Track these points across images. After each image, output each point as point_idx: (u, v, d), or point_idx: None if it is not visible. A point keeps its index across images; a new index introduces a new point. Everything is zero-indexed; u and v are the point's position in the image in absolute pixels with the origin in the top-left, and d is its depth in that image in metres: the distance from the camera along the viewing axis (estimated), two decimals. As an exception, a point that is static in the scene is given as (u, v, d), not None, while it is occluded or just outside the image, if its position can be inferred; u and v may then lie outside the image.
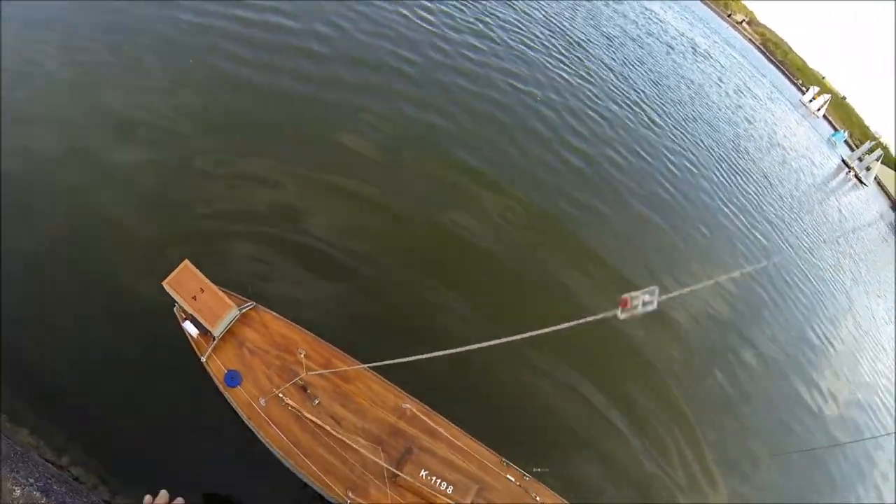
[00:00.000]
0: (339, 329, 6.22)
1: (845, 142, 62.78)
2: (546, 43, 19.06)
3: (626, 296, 2.26)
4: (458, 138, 11.05)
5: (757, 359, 11.35)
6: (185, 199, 7.19)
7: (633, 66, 23.78)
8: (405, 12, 14.50)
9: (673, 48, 33.87)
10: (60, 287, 5.86)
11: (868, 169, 49.21)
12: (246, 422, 4.88)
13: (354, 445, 4.83)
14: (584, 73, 18.70)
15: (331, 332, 5.58)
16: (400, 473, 4.76)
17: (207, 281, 4.97)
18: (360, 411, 5.16)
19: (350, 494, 4.64)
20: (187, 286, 4.83)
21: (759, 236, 17.15)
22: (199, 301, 4.83)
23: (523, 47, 17.40)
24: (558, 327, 2.68)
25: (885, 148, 59.28)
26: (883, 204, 52.51)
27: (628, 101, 19.20)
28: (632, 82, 21.51)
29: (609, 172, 13.63)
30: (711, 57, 41.69)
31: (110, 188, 6.93)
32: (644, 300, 2.24)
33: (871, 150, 50.95)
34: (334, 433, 4.86)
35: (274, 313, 5.45)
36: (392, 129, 10.24)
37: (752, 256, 15.24)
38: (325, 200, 8.13)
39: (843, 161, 48.49)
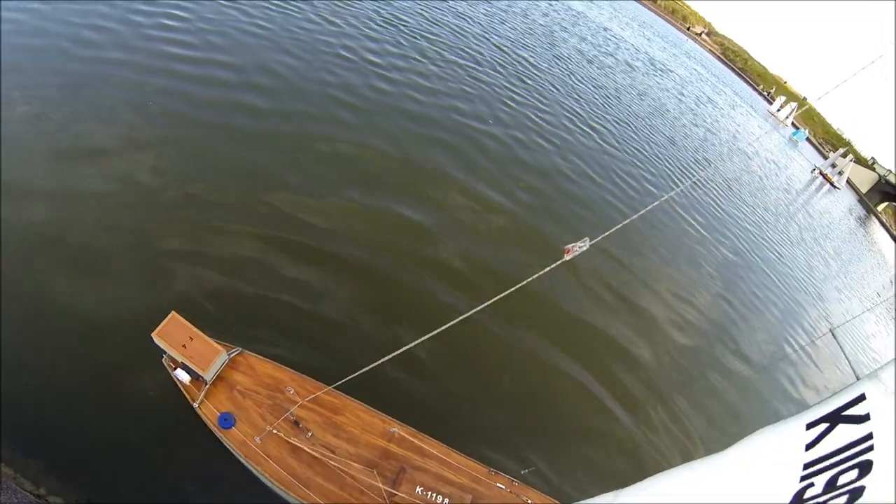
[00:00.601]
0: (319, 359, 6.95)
1: (807, 139, 66.09)
2: (499, 70, 20.44)
3: (566, 246, 3.15)
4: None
5: (728, 375, 12.16)
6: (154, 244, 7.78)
7: (589, 86, 25.38)
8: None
9: (632, 66, 35.84)
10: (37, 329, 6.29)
11: (840, 173, 52.05)
12: (243, 461, 5.25)
13: (350, 471, 5.28)
14: (537, 97, 20.04)
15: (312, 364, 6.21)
16: (397, 492, 5.25)
17: (196, 329, 5.38)
18: (351, 439, 5.64)
19: None
20: (176, 336, 5.22)
21: (725, 251, 18.25)
22: (189, 349, 5.21)
23: (476, 77, 18.70)
24: (518, 286, 3.51)
25: (853, 149, 62.44)
26: (851, 199, 55.21)
27: (584, 125, 20.53)
28: (588, 103, 23.01)
29: (564, 203, 14.38)
30: (671, 71, 44.01)
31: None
32: (579, 246, 3.13)
33: (843, 155, 53.95)
34: (330, 462, 5.28)
35: (260, 356, 5.88)
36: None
37: (717, 274, 16.20)
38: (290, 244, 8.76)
39: (819, 170, 50.98)
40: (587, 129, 20.04)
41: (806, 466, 2.01)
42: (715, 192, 23.01)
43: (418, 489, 5.37)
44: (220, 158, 9.72)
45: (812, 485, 1.98)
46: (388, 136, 12.72)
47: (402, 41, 18.04)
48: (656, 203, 3.92)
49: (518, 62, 22.42)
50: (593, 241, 3.05)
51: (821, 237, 30.40)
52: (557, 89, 22.21)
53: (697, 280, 15.11)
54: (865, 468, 1.82)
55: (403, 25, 19.39)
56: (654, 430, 9.17)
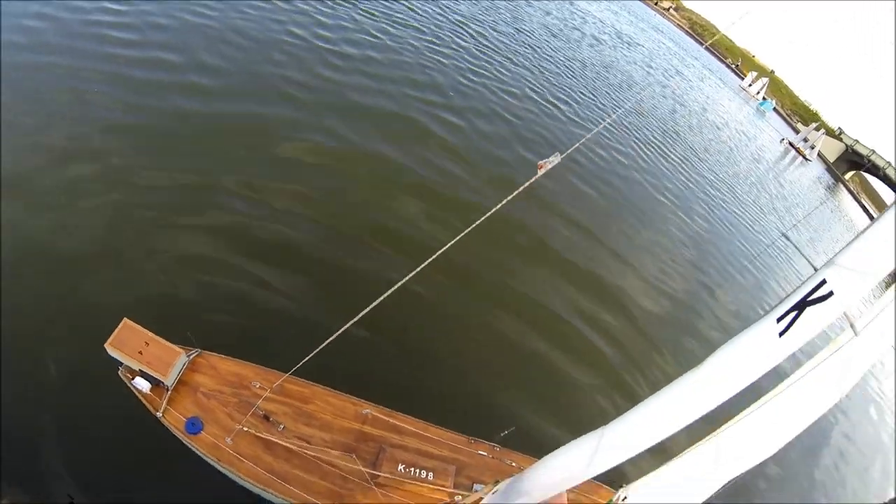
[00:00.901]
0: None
1: (774, 110, 69.15)
2: (463, 43, 20.45)
3: (539, 162, 3.17)
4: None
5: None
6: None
7: (554, 60, 25.59)
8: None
9: (599, 40, 36.29)
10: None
11: (812, 147, 55.12)
12: (216, 465, 5.08)
13: (329, 459, 5.22)
14: (502, 72, 20.12)
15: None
16: (379, 473, 5.23)
17: (151, 333, 5.14)
18: (325, 426, 5.58)
19: None
20: (131, 343, 4.96)
21: (697, 222, 18.81)
22: (146, 354, 4.97)
23: (438, 51, 18.70)
24: (495, 208, 3.51)
25: (823, 122, 65.54)
26: (820, 168, 57.59)
27: (549, 98, 20.73)
28: (554, 77, 23.28)
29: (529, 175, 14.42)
30: (639, 44, 44.74)
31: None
32: (551, 160, 3.16)
33: (816, 129, 57.37)
34: (306, 452, 5.20)
35: (220, 355, 5.69)
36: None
37: (686, 243, 16.66)
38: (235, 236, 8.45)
39: (790, 143, 53.60)
40: (550, 103, 20.22)
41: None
42: (687, 163, 23.64)
43: (400, 467, 5.35)
44: (168, 148, 9.33)
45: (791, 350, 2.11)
46: (341, 114, 12.45)
47: (357, 17, 17.72)
48: (601, 125, 3.95)
49: (479, 36, 22.39)
50: (564, 155, 3.09)
51: (792, 206, 31.59)
52: (520, 63, 22.34)
53: (671, 240, 15.64)
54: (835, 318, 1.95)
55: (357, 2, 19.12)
56: (632, 363, 9.76)
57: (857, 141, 64.80)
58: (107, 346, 4.80)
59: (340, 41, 15.60)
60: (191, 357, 5.46)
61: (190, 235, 7.99)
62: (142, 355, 4.93)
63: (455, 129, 14.41)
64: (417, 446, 5.72)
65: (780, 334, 2.07)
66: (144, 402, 5.09)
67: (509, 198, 3.39)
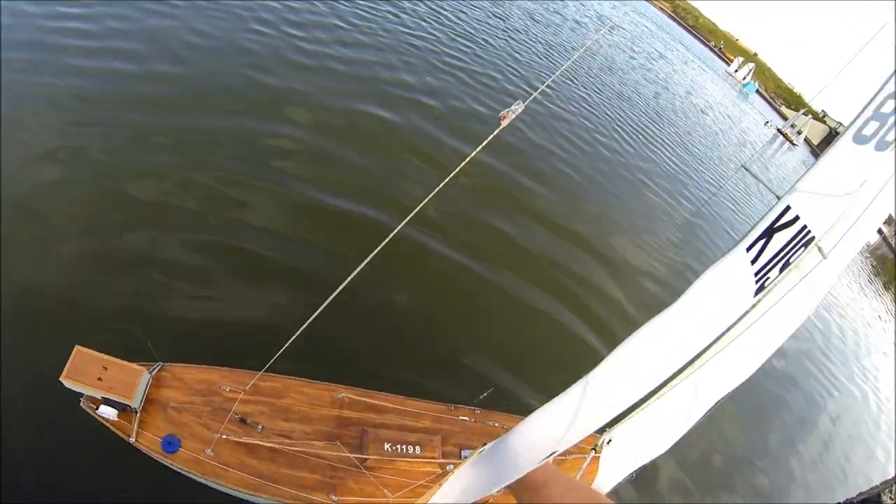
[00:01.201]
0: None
1: (757, 92, 71.45)
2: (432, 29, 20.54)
3: (502, 112, 3.12)
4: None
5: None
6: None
7: (533, 44, 25.82)
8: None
9: (580, 23, 36.67)
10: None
11: (799, 133, 57.11)
12: (202, 480, 5.03)
13: (314, 451, 5.22)
14: (477, 58, 20.22)
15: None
16: (367, 456, 5.30)
17: (107, 357, 4.92)
18: (303, 418, 5.57)
19: (333, 497, 5.07)
20: (88, 371, 4.75)
21: (685, 203, 19.34)
22: (106, 380, 4.78)
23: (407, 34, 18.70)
24: (462, 163, 3.55)
25: (808, 106, 67.43)
26: (805, 152, 59.15)
27: (529, 85, 20.84)
28: (532, 61, 23.60)
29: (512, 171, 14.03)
30: (621, 27, 45.25)
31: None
32: (513, 110, 3.11)
33: (804, 114, 59.70)
34: (290, 449, 5.18)
35: (184, 364, 5.54)
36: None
37: (674, 227, 17.05)
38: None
39: (778, 129, 55.51)
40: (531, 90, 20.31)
41: (756, 273, 2.29)
42: (673, 148, 24.13)
43: (386, 446, 5.44)
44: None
45: (768, 277, 2.28)
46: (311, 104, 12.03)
47: (321, 6, 17.24)
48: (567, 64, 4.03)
49: (455, 24, 22.37)
50: (527, 101, 3.12)
51: (777, 189, 32.32)
52: (498, 48, 22.49)
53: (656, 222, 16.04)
54: (809, 241, 2.14)
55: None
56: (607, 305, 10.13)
57: (840, 123, 66.57)
58: (62, 378, 4.59)
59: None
60: (153, 372, 5.27)
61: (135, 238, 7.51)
62: (101, 381, 4.72)
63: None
64: (399, 422, 5.81)
65: (752, 262, 2.25)
66: (114, 429, 4.92)
67: (476, 151, 3.41)
